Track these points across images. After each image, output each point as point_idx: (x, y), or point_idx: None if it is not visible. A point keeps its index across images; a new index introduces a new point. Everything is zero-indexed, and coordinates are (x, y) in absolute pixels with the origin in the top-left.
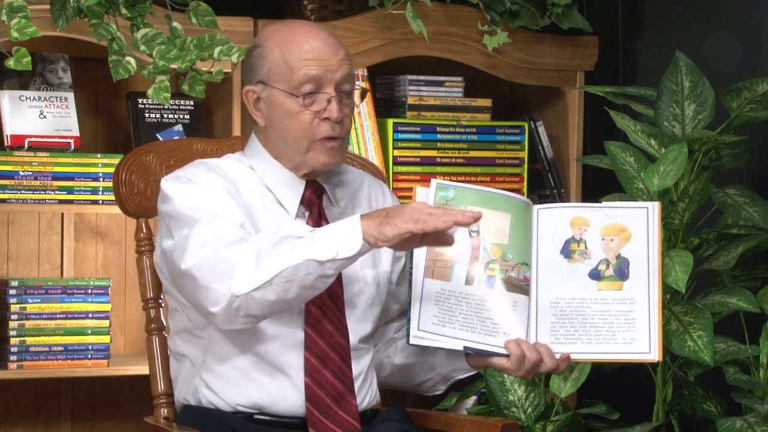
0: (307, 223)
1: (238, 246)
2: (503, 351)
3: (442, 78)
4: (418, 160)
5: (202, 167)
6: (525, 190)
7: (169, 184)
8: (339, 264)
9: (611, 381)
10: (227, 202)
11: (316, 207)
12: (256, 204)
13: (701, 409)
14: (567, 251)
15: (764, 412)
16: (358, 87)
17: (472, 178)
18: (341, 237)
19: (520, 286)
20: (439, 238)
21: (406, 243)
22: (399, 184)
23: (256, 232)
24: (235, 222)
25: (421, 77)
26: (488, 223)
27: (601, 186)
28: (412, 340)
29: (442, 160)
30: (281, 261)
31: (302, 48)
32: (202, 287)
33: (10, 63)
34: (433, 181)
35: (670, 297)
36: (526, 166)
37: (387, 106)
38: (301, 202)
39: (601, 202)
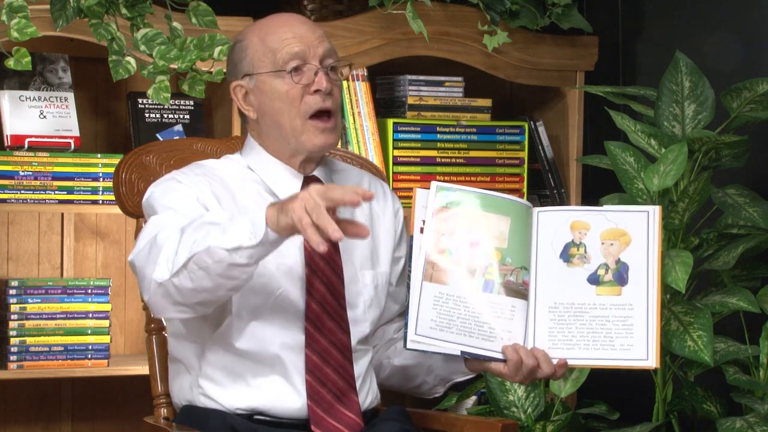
0: None
1: (169, 233)
2: (500, 356)
3: (442, 78)
4: (418, 160)
5: (195, 168)
6: (525, 190)
7: (149, 188)
8: (249, 252)
9: (611, 381)
10: (202, 200)
11: None
12: (253, 205)
13: (701, 409)
14: (566, 255)
15: (764, 412)
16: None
17: (472, 179)
18: (249, 225)
19: (518, 290)
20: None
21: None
22: (399, 184)
23: None
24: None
25: (421, 77)
26: (488, 227)
27: (601, 186)
28: (410, 345)
29: (442, 160)
30: (194, 246)
31: (280, 31)
32: (139, 277)
33: (10, 63)
34: (434, 183)
35: (670, 297)
36: (526, 166)
37: (387, 106)
38: None
39: (601, 204)
